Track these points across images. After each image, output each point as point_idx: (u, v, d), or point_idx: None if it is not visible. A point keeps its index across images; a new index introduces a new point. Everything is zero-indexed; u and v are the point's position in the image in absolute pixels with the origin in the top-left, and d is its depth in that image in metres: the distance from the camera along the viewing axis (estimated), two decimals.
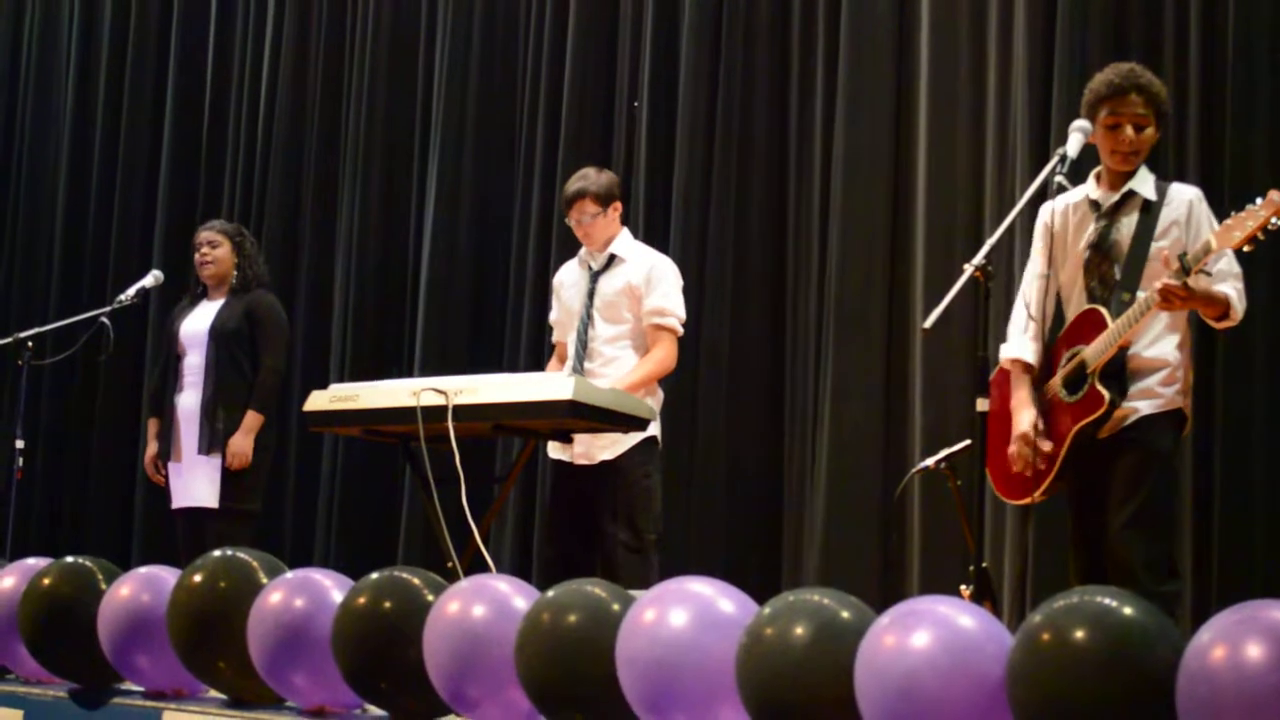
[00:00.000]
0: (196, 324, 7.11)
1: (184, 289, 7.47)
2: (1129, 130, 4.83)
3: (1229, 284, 4.68)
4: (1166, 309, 4.63)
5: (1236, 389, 6.00)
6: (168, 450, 7.06)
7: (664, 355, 6.11)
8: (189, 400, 7.03)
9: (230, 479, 6.89)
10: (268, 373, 7.03)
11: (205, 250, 7.20)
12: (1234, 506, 5.96)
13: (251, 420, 6.92)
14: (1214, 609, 3.08)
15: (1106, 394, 4.72)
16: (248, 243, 7.27)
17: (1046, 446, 4.81)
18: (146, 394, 7.48)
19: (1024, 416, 4.87)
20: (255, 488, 7.00)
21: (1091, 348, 4.76)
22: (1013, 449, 4.86)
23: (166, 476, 7.09)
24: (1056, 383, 4.84)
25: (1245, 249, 4.47)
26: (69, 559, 4.84)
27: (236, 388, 6.98)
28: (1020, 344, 4.99)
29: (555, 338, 6.44)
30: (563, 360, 6.33)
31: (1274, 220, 4.39)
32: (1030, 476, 4.82)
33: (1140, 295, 4.67)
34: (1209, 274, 4.61)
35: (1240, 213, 4.45)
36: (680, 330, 6.18)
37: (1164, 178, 5.00)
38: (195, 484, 6.93)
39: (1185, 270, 4.52)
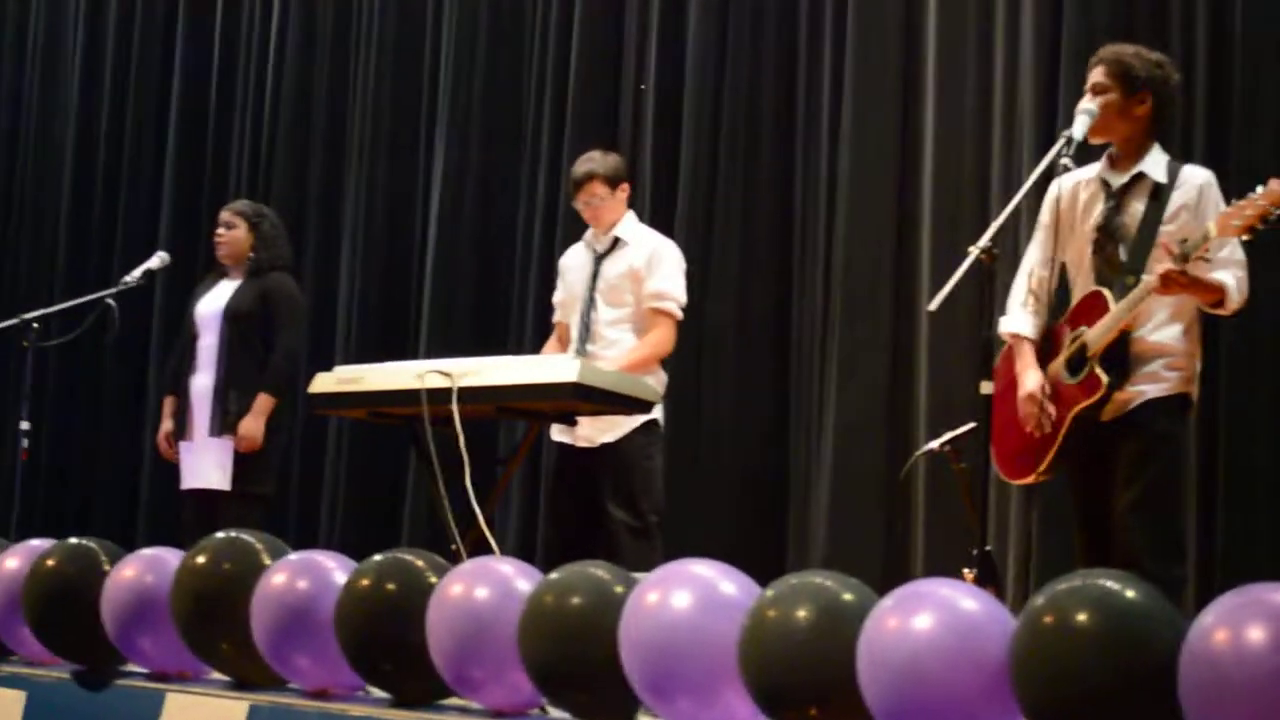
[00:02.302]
0: (211, 305, 7.10)
1: (189, 271, 7.45)
2: (1085, 98, 4.87)
3: (1229, 271, 4.67)
4: (1165, 294, 4.63)
5: (1241, 373, 5.99)
6: (182, 429, 7.05)
7: (661, 338, 6.12)
8: (202, 381, 7.01)
9: (243, 461, 6.87)
10: (281, 355, 7.01)
11: (220, 231, 7.20)
12: (1238, 490, 5.95)
13: (263, 403, 6.90)
14: (1217, 593, 3.07)
15: (1105, 378, 4.72)
16: (266, 224, 7.21)
17: (1052, 410, 4.79)
18: (165, 371, 7.48)
19: (1030, 377, 4.87)
20: (268, 470, 6.99)
21: (1093, 331, 4.75)
22: (1022, 411, 4.85)
23: (178, 455, 7.09)
24: (1059, 364, 4.83)
25: (1244, 238, 4.48)
26: (72, 540, 4.84)
27: (249, 370, 6.96)
28: (1019, 319, 4.99)
29: (556, 318, 6.44)
30: (562, 342, 6.33)
31: (1274, 210, 4.39)
32: (1038, 440, 4.80)
33: (1143, 279, 4.66)
34: (1209, 260, 4.60)
35: (1241, 201, 4.45)
36: (679, 315, 6.18)
37: (1176, 160, 4.98)
38: (205, 465, 6.92)
39: (1184, 256, 4.52)
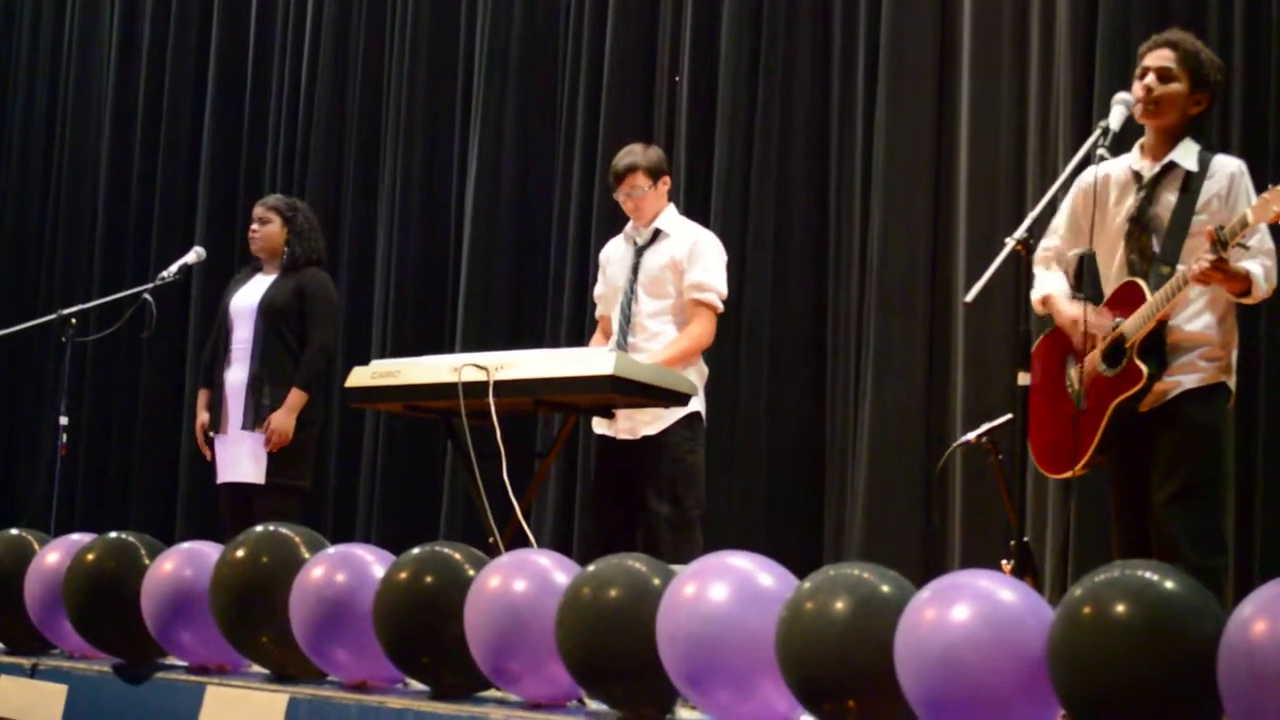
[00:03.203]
0: (246, 299, 7.13)
1: (225, 266, 7.46)
2: (1149, 78, 4.83)
3: (1258, 260, 4.65)
4: (1203, 283, 4.60)
5: (1279, 361, 5.96)
6: (216, 422, 7.08)
7: (701, 331, 6.12)
8: (236, 375, 7.04)
9: (276, 455, 6.90)
10: (315, 350, 7.03)
11: (255, 226, 7.24)
12: (1276, 480, 5.92)
13: (295, 398, 6.92)
14: (1256, 583, 3.06)
15: (1145, 368, 4.70)
16: (300, 218, 7.23)
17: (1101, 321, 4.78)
18: (200, 364, 7.52)
19: (1071, 307, 4.88)
20: (302, 464, 7.01)
21: (1130, 321, 4.73)
22: (1067, 329, 4.87)
23: (213, 448, 7.12)
24: (1096, 356, 4.82)
25: None
26: (112, 534, 4.85)
27: (283, 364, 6.98)
28: (1044, 279, 5.00)
29: (599, 312, 6.45)
30: (606, 334, 6.34)
31: None
32: (1078, 433, 4.78)
33: (1179, 269, 4.64)
34: (1246, 248, 4.58)
35: (1278, 186, 4.42)
36: (720, 306, 6.18)
37: (1208, 149, 4.96)
38: (240, 459, 6.95)
39: (1222, 244, 4.49)
